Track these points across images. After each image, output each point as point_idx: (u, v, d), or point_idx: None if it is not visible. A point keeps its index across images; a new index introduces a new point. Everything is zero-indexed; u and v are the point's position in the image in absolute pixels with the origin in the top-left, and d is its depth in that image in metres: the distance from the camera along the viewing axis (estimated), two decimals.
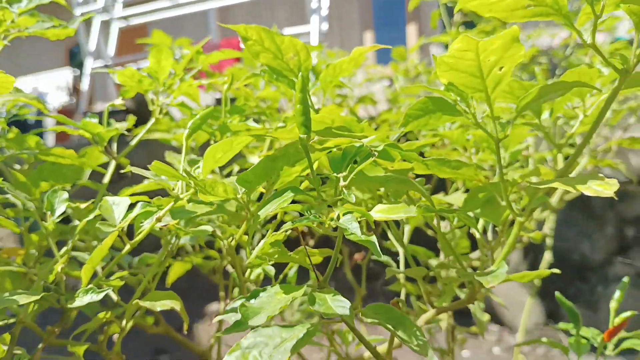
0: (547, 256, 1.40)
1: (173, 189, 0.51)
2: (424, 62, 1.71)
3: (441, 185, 1.42)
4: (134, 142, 0.72)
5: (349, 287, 1.23)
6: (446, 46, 1.67)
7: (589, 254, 2.63)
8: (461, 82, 0.47)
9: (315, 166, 0.53)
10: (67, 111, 6.96)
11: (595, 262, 2.63)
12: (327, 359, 0.88)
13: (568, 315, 0.72)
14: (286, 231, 0.50)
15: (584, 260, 2.64)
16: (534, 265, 2.42)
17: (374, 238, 0.42)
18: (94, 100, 6.36)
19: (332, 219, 0.42)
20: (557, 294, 0.72)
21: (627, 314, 0.72)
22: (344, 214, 0.43)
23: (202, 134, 0.88)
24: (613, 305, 0.74)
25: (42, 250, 0.71)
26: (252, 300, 0.45)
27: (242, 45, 2.21)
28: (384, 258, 0.79)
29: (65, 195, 0.57)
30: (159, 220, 0.50)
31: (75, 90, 7.19)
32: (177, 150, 1.64)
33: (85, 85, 4.96)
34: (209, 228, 0.56)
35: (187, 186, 0.51)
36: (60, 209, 0.56)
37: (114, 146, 0.73)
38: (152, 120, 0.73)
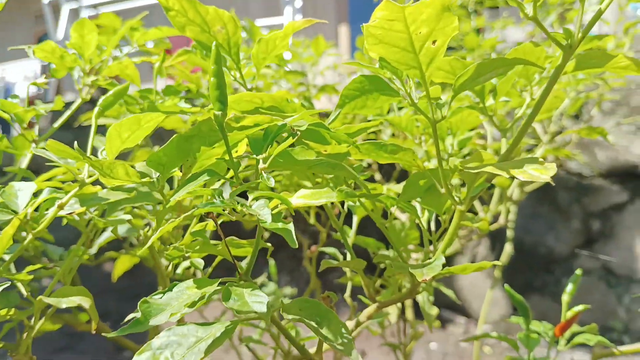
0: (508, 248, 1.38)
1: (80, 174, 0.46)
2: None
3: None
4: (57, 125, 0.67)
5: (306, 279, 1.19)
6: None
7: (554, 246, 2.65)
8: (393, 57, 0.43)
9: (241, 149, 0.49)
10: (33, 101, 6.75)
11: (561, 255, 2.64)
12: (274, 359, 0.84)
13: (518, 309, 0.70)
14: (199, 218, 0.46)
15: (550, 253, 2.65)
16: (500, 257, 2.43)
17: (291, 226, 0.37)
18: (62, 90, 6.19)
19: (243, 205, 0.37)
20: (505, 286, 0.69)
21: (579, 307, 0.70)
22: (257, 199, 0.39)
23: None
24: (565, 298, 0.71)
25: None
26: (158, 296, 0.41)
27: None
28: (330, 250, 0.75)
29: None
30: (61, 207, 0.45)
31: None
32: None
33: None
34: (125, 217, 0.51)
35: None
36: None
37: (37, 129, 0.67)
38: (78, 101, 0.67)
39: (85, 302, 0.47)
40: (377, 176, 1.49)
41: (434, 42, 0.41)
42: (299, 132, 0.41)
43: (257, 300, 0.39)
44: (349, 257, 0.74)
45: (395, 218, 1.04)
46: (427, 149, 0.73)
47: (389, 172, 1.76)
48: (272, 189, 0.41)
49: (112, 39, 0.66)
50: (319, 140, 0.49)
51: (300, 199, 0.41)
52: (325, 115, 1.50)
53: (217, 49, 0.42)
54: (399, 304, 1.02)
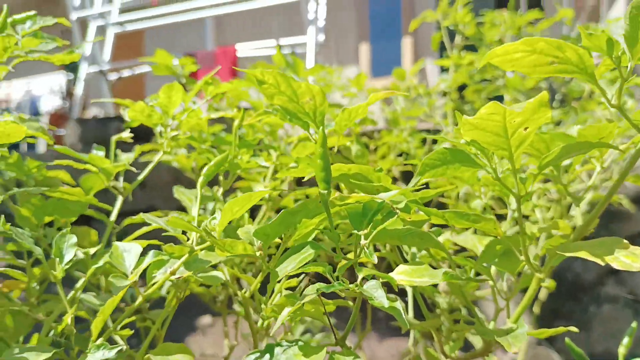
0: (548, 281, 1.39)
1: (187, 240, 0.50)
2: (423, 84, 1.71)
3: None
4: (141, 177, 0.71)
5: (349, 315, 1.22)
6: (444, 69, 1.67)
7: (581, 273, 2.64)
8: (485, 140, 0.46)
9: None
10: (60, 115, 6.89)
11: (588, 282, 2.63)
12: None
13: None
14: (301, 283, 0.49)
15: (577, 279, 2.64)
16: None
17: (399, 304, 0.41)
18: (87, 105, 6.31)
19: (356, 285, 0.41)
20: (567, 340, 0.71)
21: None
22: (367, 278, 0.42)
23: (203, 158, 0.87)
24: (621, 350, 0.73)
25: (44, 285, 0.70)
26: (253, 356, 0.44)
27: (238, 55, 2.23)
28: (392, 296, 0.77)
29: (74, 239, 0.55)
30: (173, 273, 0.48)
31: (68, 95, 7.12)
32: (178, 171, 1.61)
33: (79, 89, 4.91)
34: (220, 275, 0.55)
35: (202, 237, 0.49)
36: (69, 254, 0.54)
37: (121, 180, 0.72)
38: (160, 154, 0.71)
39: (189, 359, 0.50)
40: None
41: (525, 128, 0.45)
42: (398, 211, 0.44)
43: None
44: (410, 302, 0.76)
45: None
46: (487, 202, 0.76)
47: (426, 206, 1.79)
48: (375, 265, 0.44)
49: (189, 96, 0.70)
50: (403, 210, 0.53)
51: (401, 275, 0.44)
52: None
53: (323, 133, 0.45)
54: None
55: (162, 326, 0.57)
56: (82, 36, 5.09)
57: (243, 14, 5.54)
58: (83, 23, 5.29)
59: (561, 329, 0.53)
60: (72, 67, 6.92)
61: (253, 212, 0.98)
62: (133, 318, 0.58)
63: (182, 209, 0.85)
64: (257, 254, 0.46)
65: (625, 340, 0.73)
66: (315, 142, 0.63)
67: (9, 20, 0.76)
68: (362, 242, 0.45)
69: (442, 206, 1.58)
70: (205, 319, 2.43)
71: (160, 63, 1.24)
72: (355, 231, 0.46)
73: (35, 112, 7.63)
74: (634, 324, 0.74)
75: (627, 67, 0.44)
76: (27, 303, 0.71)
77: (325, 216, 0.49)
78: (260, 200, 0.94)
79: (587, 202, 1.02)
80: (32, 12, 0.88)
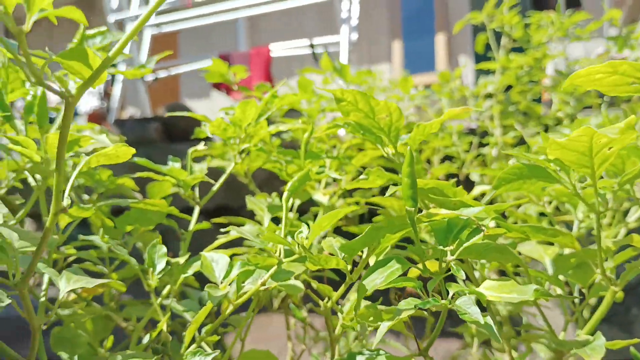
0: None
1: (275, 252, 0.52)
2: (467, 86, 1.71)
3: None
4: (215, 188, 0.74)
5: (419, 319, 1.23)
6: (486, 71, 1.66)
7: None
8: (568, 158, 0.48)
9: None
10: (98, 115, 7.08)
11: (630, 283, 2.58)
12: None
13: None
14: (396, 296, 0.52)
15: None
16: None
17: (490, 320, 0.42)
18: (125, 105, 6.46)
19: (449, 301, 0.43)
20: (632, 350, 0.71)
21: None
22: (458, 294, 0.44)
23: (258, 160, 0.90)
24: None
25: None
26: None
27: (271, 55, 2.27)
28: None
29: (164, 250, 0.58)
30: (263, 284, 0.51)
31: (106, 95, 7.30)
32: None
33: (117, 90, 5.04)
34: (299, 284, 0.57)
35: (288, 250, 0.52)
36: (160, 264, 0.57)
37: (196, 190, 0.75)
38: (232, 165, 0.75)
39: None
40: None
41: (609, 147, 0.46)
42: (484, 228, 0.46)
43: None
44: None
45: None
46: (551, 211, 0.77)
47: None
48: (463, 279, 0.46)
49: (261, 109, 0.73)
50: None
51: (489, 290, 0.45)
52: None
53: (410, 154, 0.47)
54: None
55: (243, 333, 0.60)
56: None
57: (276, 14, 5.59)
58: (120, 25, 5.41)
59: (635, 340, 0.54)
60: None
61: (303, 214, 1.00)
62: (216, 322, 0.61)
63: (249, 214, 0.88)
64: (348, 266, 0.48)
65: None
66: (385, 155, 0.65)
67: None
68: (449, 257, 0.47)
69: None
70: (261, 318, 2.49)
71: (213, 71, 1.28)
72: (441, 247, 0.48)
73: (74, 113, 7.83)
74: None
75: None
76: (108, 308, 0.75)
77: (405, 230, 0.51)
78: (316, 206, 0.96)
79: None
80: (103, 28, 0.92)
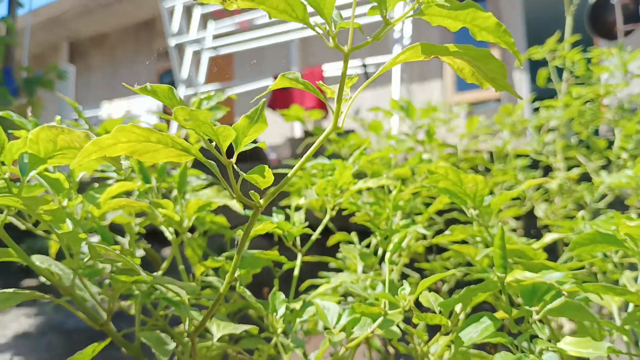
0: None
1: (383, 309, 0.63)
2: (529, 119, 1.76)
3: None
4: (313, 238, 0.85)
5: None
6: (540, 88, 1.72)
7: None
8: (636, 233, 0.56)
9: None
10: None
11: None
12: None
13: None
14: None
15: None
16: None
17: None
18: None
19: (536, 356, 0.52)
20: None
21: None
22: (542, 349, 0.53)
23: (331, 202, 1.01)
24: None
25: None
26: None
27: (324, 75, 2.41)
28: None
29: (283, 296, 0.70)
30: (373, 332, 0.61)
31: (165, 114, 7.67)
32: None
33: None
34: (397, 330, 0.67)
35: (392, 305, 0.62)
36: (281, 310, 0.69)
37: (297, 239, 0.87)
38: (327, 217, 0.86)
39: None
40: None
41: None
42: (566, 294, 0.55)
43: None
44: None
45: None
46: (618, 260, 0.84)
47: None
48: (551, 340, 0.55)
49: (348, 168, 0.84)
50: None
51: (568, 345, 0.54)
52: None
53: (502, 230, 0.57)
54: None
55: None
56: (180, 60, 5.50)
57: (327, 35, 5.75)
58: (180, 48, 5.70)
59: None
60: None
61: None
62: None
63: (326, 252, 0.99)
64: (449, 323, 0.58)
65: None
66: (469, 215, 0.74)
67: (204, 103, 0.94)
68: (535, 317, 0.56)
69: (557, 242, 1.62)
70: None
71: (291, 114, 1.41)
72: (527, 307, 0.57)
73: None
74: None
75: None
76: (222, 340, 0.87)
77: (493, 290, 0.60)
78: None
79: None
80: (209, 93, 1.06)
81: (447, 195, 0.71)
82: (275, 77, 2.93)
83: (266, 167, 0.47)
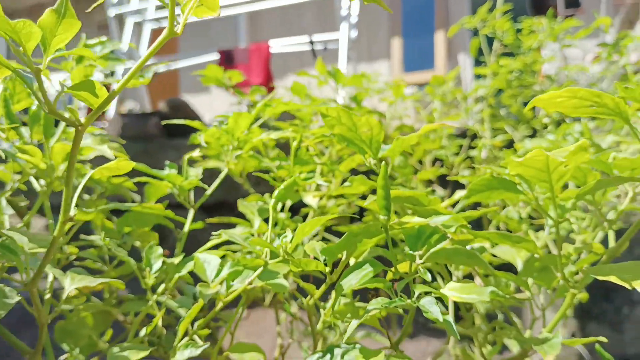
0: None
1: (262, 254, 0.57)
2: (460, 89, 1.75)
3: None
4: (209, 192, 0.79)
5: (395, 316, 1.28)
6: (479, 76, 1.71)
7: None
8: (528, 174, 0.52)
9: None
10: None
11: (618, 285, 2.62)
12: None
13: None
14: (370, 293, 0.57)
15: (609, 280, 2.64)
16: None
17: (449, 318, 0.47)
18: (124, 99, 6.49)
19: (413, 301, 0.47)
20: (597, 346, 0.76)
21: None
22: (422, 294, 0.49)
23: (250, 162, 0.95)
24: None
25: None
26: (316, 356, 0.52)
27: (271, 51, 2.33)
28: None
29: (160, 251, 0.63)
30: (251, 283, 0.56)
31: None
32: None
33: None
34: (285, 283, 0.62)
35: (273, 252, 0.57)
36: (157, 264, 0.62)
37: (191, 193, 0.80)
38: (225, 170, 0.79)
39: (261, 358, 0.58)
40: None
41: (565, 165, 0.50)
42: (450, 236, 0.51)
43: None
44: (450, 307, 0.83)
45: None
46: (525, 215, 0.82)
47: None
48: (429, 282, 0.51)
49: (250, 118, 0.78)
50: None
51: (452, 291, 0.50)
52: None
53: (384, 168, 0.52)
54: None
55: (233, 327, 0.65)
56: (120, 32, 5.25)
57: (276, 11, 5.63)
58: (120, 20, 5.43)
59: (592, 338, 0.59)
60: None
61: (295, 213, 1.05)
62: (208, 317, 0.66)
63: (241, 214, 0.93)
64: (327, 270, 0.53)
65: None
66: (368, 164, 0.70)
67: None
68: (417, 261, 0.52)
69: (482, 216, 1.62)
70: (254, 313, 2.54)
71: (209, 75, 1.33)
72: (411, 251, 0.53)
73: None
74: None
75: None
76: (107, 303, 0.80)
77: (380, 235, 0.56)
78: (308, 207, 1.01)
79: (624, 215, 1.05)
80: (104, 38, 0.97)
81: (345, 143, 0.66)
82: (221, 52, 2.83)
83: (97, 83, 0.40)
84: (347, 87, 1.59)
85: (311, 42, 4.55)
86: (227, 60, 4.58)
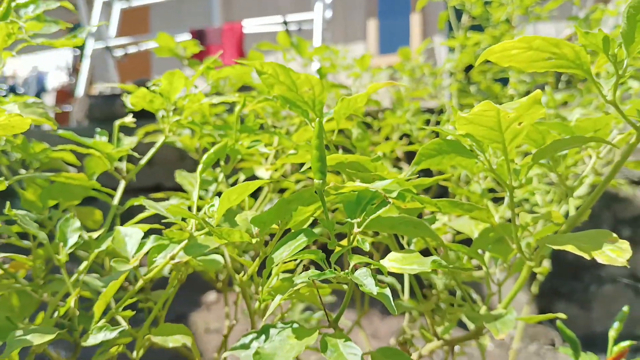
0: (546, 264, 1.41)
1: (187, 227, 0.51)
2: (429, 64, 1.70)
3: (444, 192, 1.42)
4: (143, 162, 0.72)
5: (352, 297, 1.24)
6: (452, 48, 1.66)
7: None
8: (479, 134, 0.47)
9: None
10: (66, 91, 6.89)
11: (589, 262, 2.64)
12: None
13: (569, 344, 0.73)
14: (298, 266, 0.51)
15: (578, 259, 2.65)
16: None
17: (387, 291, 0.42)
18: (93, 80, 6.30)
19: (346, 273, 0.42)
20: (558, 323, 0.72)
21: (626, 343, 0.73)
22: (357, 266, 0.43)
23: (206, 138, 0.89)
24: (612, 334, 0.75)
25: (49, 265, 0.72)
26: (265, 344, 0.46)
27: (244, 31, 2.23)
28: (389, 279, 0.80)
29: (77, 224, 0.57)
30: (172, 258, 0.50)
31: (75, 71, 7.12)
32: (182, 151, 1.63)
33: (85, 66, 4.91)
34: (219, 259, 0.56)
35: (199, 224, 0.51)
36: (72, 238, 0.56)
37: (124, 162, 0.73)
38: (162, 139, 0.72)
39: (188, 340, 0.52)
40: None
41: (519, 123, 0.45)
42: (391, 201, 0.45)
43: (351, 352, 0.44)
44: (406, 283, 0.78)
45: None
46: (485, 186, 0.77)
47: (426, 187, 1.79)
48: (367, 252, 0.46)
49: (190, 81, 0.71)
50: (398, 197, 0.54)
51: (392, 262, 0.45)
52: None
53: (319, 124, 0.46)
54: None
55: (163, 306, 0.59)
56: (88, 12, 5.06)
57: None
58: None
59: (551, 315, 0.54)
60: None
61: (256, 192, 0.99)
62: (136, 298, 0.60)
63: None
64: (254, 240, 0.47)
65: (616, 324, 0.75)
66: (312, 128, 0.64)
67: (13, 4, 0.76)
68: (355, 230, 0.47)
69: (443, 189, 1.59)
70: (211, 296, 2.48)
71: (162, 45, 1.24)
72: (349, 219, 0.48)
73: (42, 89, 7.63)
74: (625, 308, 0.75)
75: (623, 63, 0.45)
76: (33, 283, 0.73)
77: (318, 203, 0.50)
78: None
79: (588, 185, 1.02)
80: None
81: (287, 105, 0.60)
82: (192, 32, 2.72)
83: None
84: (313, 62, 1.53)
85: (285, 23, 4.45)
86: (199, 40, 4.46)
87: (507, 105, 0.42)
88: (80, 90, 4.71)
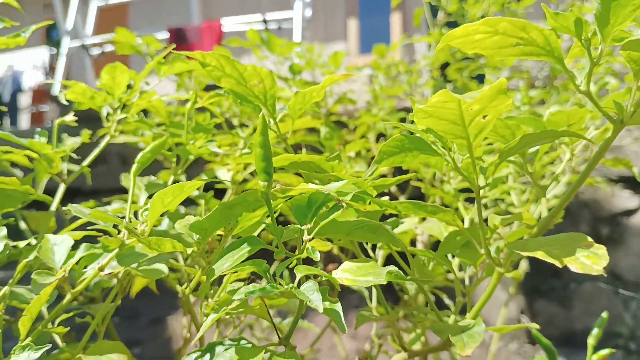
0: (523, 265, 1.38)
1: (118, 233, 0.46)
2: (404, 62, 1.66)
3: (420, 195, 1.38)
4: (85, 163, 0.66)
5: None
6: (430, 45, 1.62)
7: None
8: (441, 128, 0.43)
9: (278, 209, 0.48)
10: (42, 91, 6.74)
11: None
12: None
13: (545, 352, 0.70)
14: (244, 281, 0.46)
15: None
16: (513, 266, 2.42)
17: (338, 307, 0.37)
18: (70, 79, 6.17)
19: (292, 288, 0.37)
20: (534, 332, 0.69)
21: (605, 351, 0.70)
22: (305, 278, 0.38)
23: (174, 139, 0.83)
24: (590, 341, 0.71)
25: None
26: (194, 355, 0.41)
27: (223, 30, 2.16)
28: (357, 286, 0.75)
29: (3, 232, 0.51)
30: (102, 269, 0.44)
31: (51, 70, 6.96)
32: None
33: (61, 64, 4.79)
34: (163, 268, 0.51)
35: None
36: None
37: (65, 166, 0.67)
38: (107, 138, 0.67)
39: (123, 359, 0.47)
40: (393, 188, 1.49)
41: (484, 116, 0.41)
42: (344, 205, 0.41)
43: None
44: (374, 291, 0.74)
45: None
46: (456, 186, 0.73)
47: (402, 187, 1.76)
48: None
49: (140, 76, 0.66)
50: (357, 200, 0.49)
51: (345, 273, 0.40)
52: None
53: (263, 119, 0.41)
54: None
55: (102, 322, 0.54)
56: (64, 10, 4.95)
57: None
58: None
59: (522, 325, 0.50)
60: (55, 42, 6.74)
61: (220, 195, 0.94)
62: (72, 313, 0.54)
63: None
64: (189, 250, 0.42)
65: (595, 331, 0.71)
66: (269, 127, 0.59)
67: None
68: (305, 237, 0.42)
69: (417, 190, 1.55)
70: (191, 299, 2.42)
71: (121, 42, 1.18)
72: (299, 225, 0.43)
73: (18, 88, 7.45)
74: (604, 314, 0.72)
75: (597, 49, 0.41)
76: None
77: (253, 203, 0.45)
78: (221, 183, 0.89)
79: (565, 184, 0.99)
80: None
81: (238, 99, 0.55)
82: (170, 30, 2.66)
83: None
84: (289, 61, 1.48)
85: (265, 21, 4.39)
86: (178, 38, 4.37)
87: (468, 94, 0.37)
88: (56, 90, 4.59)
